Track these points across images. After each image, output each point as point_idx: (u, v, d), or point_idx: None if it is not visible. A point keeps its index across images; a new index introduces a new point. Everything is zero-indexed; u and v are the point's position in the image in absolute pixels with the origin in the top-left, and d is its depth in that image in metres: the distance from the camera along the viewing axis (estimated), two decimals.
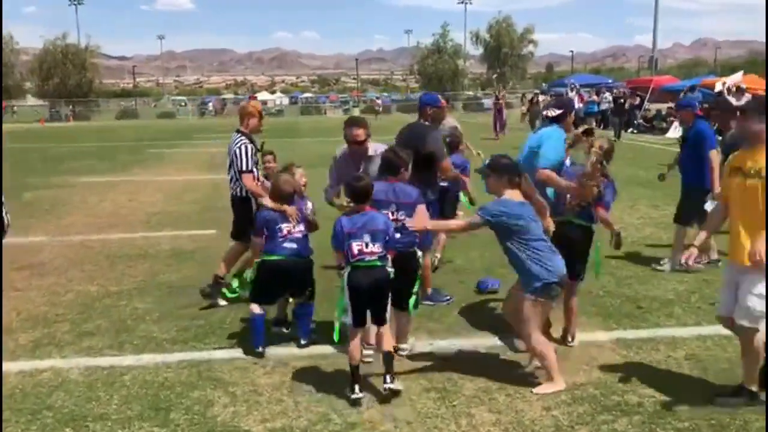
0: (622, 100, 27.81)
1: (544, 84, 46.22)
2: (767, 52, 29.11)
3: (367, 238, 4.42)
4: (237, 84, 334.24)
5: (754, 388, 4.24)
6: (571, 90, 28.29)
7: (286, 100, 63.29)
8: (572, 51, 78.00)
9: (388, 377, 4.40)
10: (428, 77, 70.59)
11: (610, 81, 42.39)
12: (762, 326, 4.06)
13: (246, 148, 6.31)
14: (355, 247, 4.42)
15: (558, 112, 5.54)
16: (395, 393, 4.41)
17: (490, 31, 72.10)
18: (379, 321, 4.54)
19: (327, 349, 5.24)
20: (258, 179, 6.42)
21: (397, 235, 4.63)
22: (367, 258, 4.42)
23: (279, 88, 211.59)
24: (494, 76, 70.13)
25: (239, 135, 6.45)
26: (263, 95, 71.09)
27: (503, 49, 71.36)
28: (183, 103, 71.47)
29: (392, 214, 4.74)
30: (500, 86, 24.51)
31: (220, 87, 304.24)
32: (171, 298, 6.70)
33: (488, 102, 59.97)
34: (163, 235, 9.51)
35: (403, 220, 4.71)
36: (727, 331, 4.59)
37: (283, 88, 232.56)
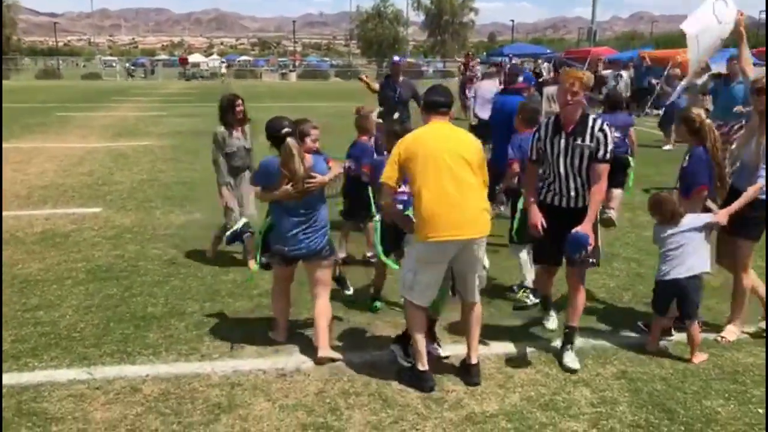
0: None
1: (484, 54, 45.44)
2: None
3: None
4: (174, 45, 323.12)
5: None
6: (510, 60, 27.62)
7: (218, 63, 60.50)
8: (513, 20, 77.20)
9: None
10: (369, 42, 68.93)
11: (548, 51, 41.96)
12: None
13: None
14: None
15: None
16: None
17: None
18: None
19: (187, 367, 4.30)
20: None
21: None
22: None
23: (217, 51, 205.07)
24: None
25: None
26: (195, 57, 67.98)
27: (444, 16, 70.12)
28: (113, 64, 67.71)
29: None
30: (470, 52, 23.30)
31: (156, 48, 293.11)
32: (20, 296, 5.57)
33: (429, 70, 59.05)
34: (39, 214, 8.27)
35: None
36: (666, 346, 3.86)
37: (222, 50, 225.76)
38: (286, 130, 4.35)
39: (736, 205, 4.52)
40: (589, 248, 4.17)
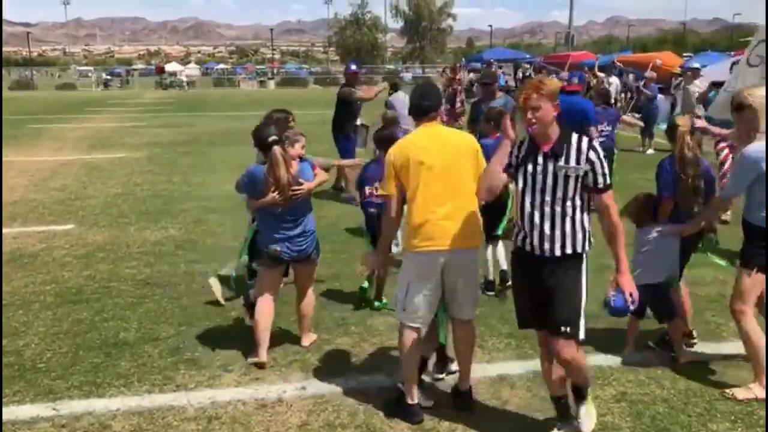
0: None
1: (463, 59, 45.49)
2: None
3: None
4: (150, 54, 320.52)
5: None
6: (490, 66, 27.53)
7: (196, 71, 59.90)
8: (491, 26, 77.58)
9: None
10: (347, 49, 68.75)
11: (527, 56, 42.04)
12: None
13: None
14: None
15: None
16: None
17: (409, 4, 70.64)
18: None
19: (160, 399, 4.02)
20: None
21: None
22: None
23: (194, 59, 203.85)
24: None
25: None
26: (172, 66, 67.14)
27: (422, 22, 70.17)
28: (89, 74, 66.82)
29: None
30: (458, 64, 22.55)
31: (132, 57, 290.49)
32: None
33: (408, 76, 58.92)
34: (7, 233, 7.91)
35: None
36: (665, 364, 3.66)
37: (199, 58, 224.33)
38: (272, 138, 4.33)
39: (696, 221, 4.40)
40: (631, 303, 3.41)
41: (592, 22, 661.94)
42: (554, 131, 3.29)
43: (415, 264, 3.74)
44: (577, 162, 3.25)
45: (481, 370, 4.36)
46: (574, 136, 3.31)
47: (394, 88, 10.93)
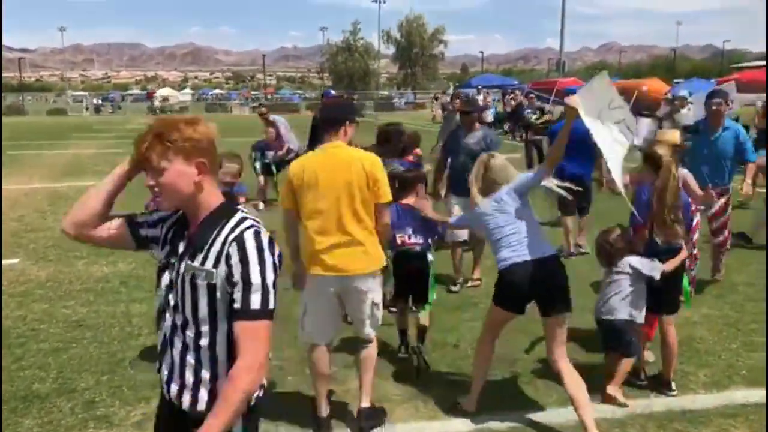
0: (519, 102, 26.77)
1: (452, 85, 45.60)
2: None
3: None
4: (147, 79, 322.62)
5: None
6: (478, 93, 27.35)
7: (188, 97, 59.90)
8: (482, 52, 77.89)
9: None
10: (339, 75, 68.87)
11: (515, 83, 42.04)
12: None
13: None
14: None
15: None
16: None
17: (401, 30, 70.95)
18: None
19: None
20: None
21: None
22: None
23: (191, 84, 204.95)
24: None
25: None
26: (166, 91, 67.18)
27: (414, 48, 70.42)
28: (82, 99, 66.86)
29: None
30: (453, 89, 21.50)
31: (129, 82, 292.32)
32: None
33: (400, 102, 58.96)
34: None
35: None
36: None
37: (195, 84, 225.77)
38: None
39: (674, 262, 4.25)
40: None
41: (586, 48, 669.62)
42: (203, 206, 2.06)
43: (310, 286, 3.79)
44: (213, 263, 1.99)
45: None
46: (235, 217, 2.03)
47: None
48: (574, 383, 3.75)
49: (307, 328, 3.84)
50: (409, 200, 4.73)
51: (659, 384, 4.40)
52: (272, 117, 11.51)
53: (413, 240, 4.60)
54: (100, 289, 6.73)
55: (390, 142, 5.99)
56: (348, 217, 3.61)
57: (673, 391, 4.34)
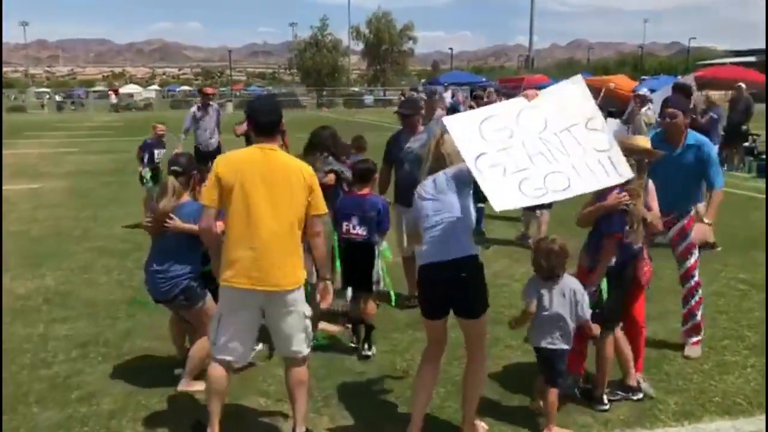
0: (484, 100, 26.46)
1: (421, 81, 45.21)
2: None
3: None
4: (115, 76, 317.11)
5: None
6: (446, 89, 26.95)
7: (153, 93, 58.62)
8: (451, 49, 77.56)
9: None
10: (307, 71, 67.91)
11: (483, 80, 41.81)
12: None
13: None
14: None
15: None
16: None
17: (370, 27, 70.20)
18: None
19: None
20: None
21: None
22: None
23: (159, 81, 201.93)
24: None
25: None
26: (130, 87, 65.61)
27: (383, 45, 69.73)
28: (48, 96, 64.98)
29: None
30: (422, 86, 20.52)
31: (96, 79, 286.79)
32: None
33: (369, 99, 58.26)
34: None
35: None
36: None
37: (164, 80, 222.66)
38: (173, 168, 4.35)
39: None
40: None
41: (555, 45, 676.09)
42: None
43: (226, 298, 3.49)
44: None
45: None
46: None
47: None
48: (470, 383, 3.63)
49: (219, 343, 3.53)
50: (365, 191, 5.01)
51: (589, 398, 4.13)
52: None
53: (357, 231, 4.91)
54: (20, 307, 6.12)
55: (323, 147, 5.50)
56: (279, 227, 3.37)
57: (605, 405, 4.05)
